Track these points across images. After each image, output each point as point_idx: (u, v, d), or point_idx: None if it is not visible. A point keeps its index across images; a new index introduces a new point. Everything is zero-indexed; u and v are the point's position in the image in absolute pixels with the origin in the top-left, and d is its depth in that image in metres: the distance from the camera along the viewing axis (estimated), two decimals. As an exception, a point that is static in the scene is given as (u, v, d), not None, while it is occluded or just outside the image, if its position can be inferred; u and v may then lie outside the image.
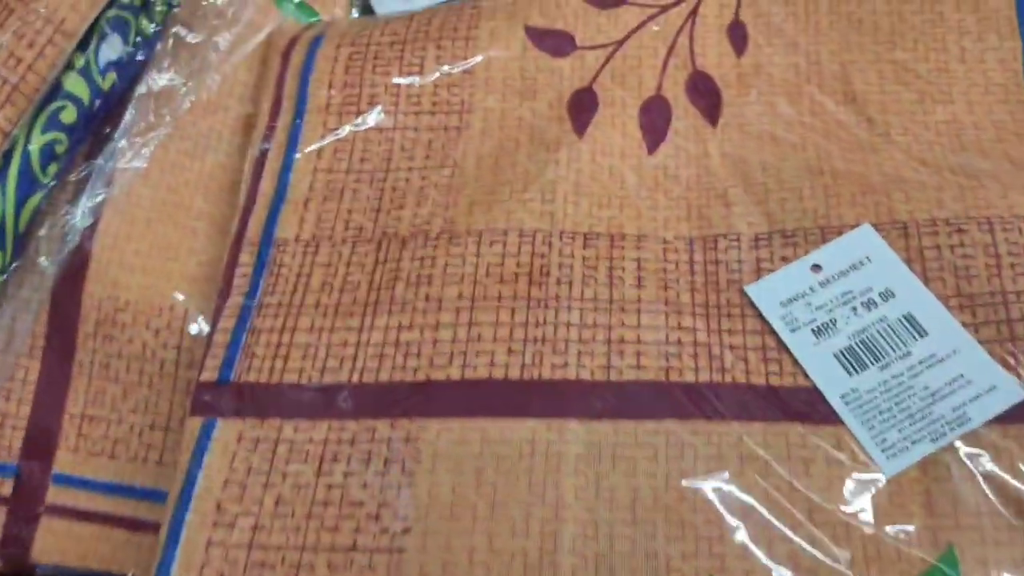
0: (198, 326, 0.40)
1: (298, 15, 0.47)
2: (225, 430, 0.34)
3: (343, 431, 0.33)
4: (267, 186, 0.40)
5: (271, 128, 0.42)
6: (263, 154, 0.41)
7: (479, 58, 0.43)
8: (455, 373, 0.34)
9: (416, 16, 0.45)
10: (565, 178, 0.39)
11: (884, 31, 0.42)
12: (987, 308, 0.34)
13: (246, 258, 0.38)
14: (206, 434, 0.34)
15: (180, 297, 0.40)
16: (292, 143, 0.41)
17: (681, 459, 0.32)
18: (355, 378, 0.34)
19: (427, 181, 0.40)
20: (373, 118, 0.42)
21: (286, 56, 0.44)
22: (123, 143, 0.43)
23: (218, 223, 0.42)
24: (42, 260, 0.40)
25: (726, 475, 0.32)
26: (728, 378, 0.34)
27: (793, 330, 0.35)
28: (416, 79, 0.42)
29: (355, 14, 0.49)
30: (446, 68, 0.42)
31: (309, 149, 0.41)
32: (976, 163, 0.38)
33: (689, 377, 0.34)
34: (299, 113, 0.42)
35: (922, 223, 0.36)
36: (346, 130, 0.41)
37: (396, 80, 0.42)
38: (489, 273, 0.36)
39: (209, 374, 0.35)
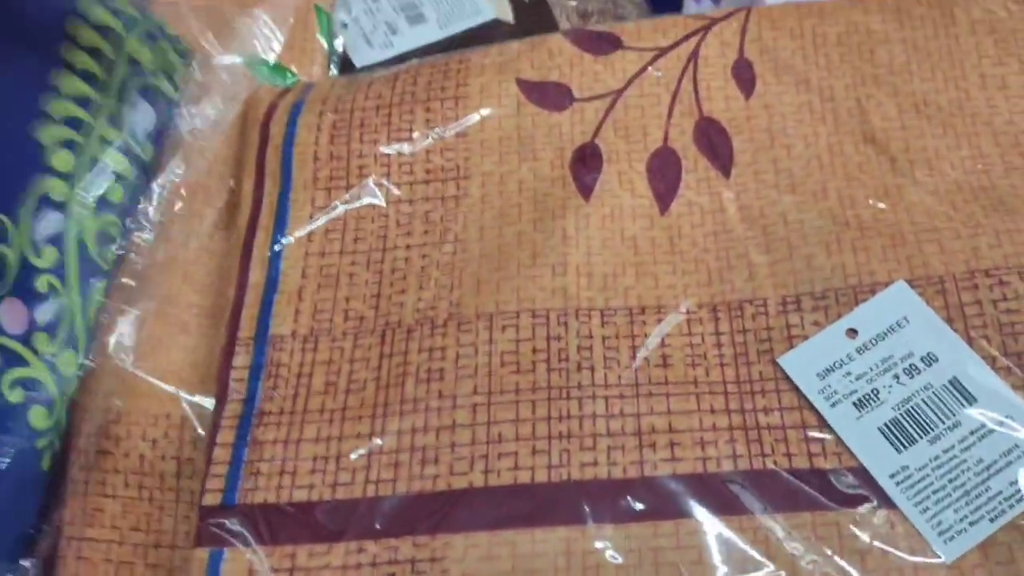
0: (197, 433, 0.37)
1: (273, 78, 0.44)
2: (234, 561, 0.31)
3: (362, 554, 0.31)
4: (257, 276, 0.38)
5: (255, 210, 0.39)
6: (249, 240, 0.39)
7: (472, 118, 0.40)
8: (478, 480, 0.32)
9: (401, 75, 0.42)
10: (575, 248, 0.36)
11: (899, 61, 0.40)
12: (1038, 368, 0.32)
13: (241, 360, 0.36)
14: (214, 567, 0.31)
15: (176, 402, 0.37)
16: (280, 225, 0.39)
17: (729, 561, 0.30)
18: (371, 491, 0.32)
19: (428, 260, 0.37)
20: (364, 192, 0.39)
21: (265, 127, 0.41)
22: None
23: (210, 313, 0.39)
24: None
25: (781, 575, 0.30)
26: (770, 464, 0.32)
27: (833, 404, 0.33)
28: (407, 146, 0.40)
29: (333, 70, 0.47)
30: (438, 131, 0.40)
31: (299, 233, 0.38)
32: (1010, 202, 0.36)
33: (728, 467, 0.31)
34: (284, 191, 0.39)
35: (960, 276, 0.34)
36: (336, 207, 0.39)
37: (385, 149, 0.40)
38: (504, 362, 0.34)
39: (212, 497, 0.32)
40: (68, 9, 0.37)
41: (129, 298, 0.39)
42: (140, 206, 0.40)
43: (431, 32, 0.50)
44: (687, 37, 0.41)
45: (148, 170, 0.40)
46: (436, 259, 0.37)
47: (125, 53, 0.39)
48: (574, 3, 0.53)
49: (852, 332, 0.34)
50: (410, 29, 0.50)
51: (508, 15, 0.52)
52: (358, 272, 0.37)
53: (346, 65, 0.48)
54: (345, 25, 0.49)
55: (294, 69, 0.45)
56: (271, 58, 0.45)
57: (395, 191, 0.39)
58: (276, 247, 0.38)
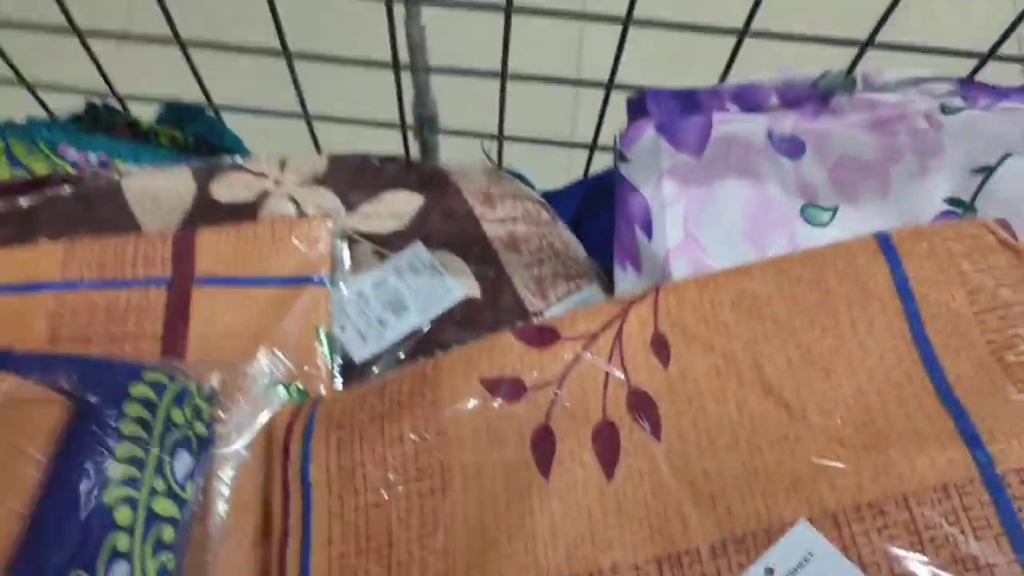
0: None
1: (287, 398, 0.54)
2: None
3: None
4: (292, 582, 0.46)
5: (285, 522, 0.48)
6: (283, 550, 0.47)
7: (448, 417, 0.49)
8: None
9: (388, 384, 0.51)
10: (541, 525, 0.45)
11: (783, 317, 0.48)
12: (920, 587, 0.39)
13: (287, 664, 0.44)
14: None
15: None
16: (306, 534, 0.48)
17: None
18: None
19: (426, 550, 0.46)
20: (370, 496, 0.48)
21: (286, 449, 0.51)
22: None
23: (258, 612, 0.48)
24: None
25: None
26: None
27: (761, 640, 0.40)
28: (399, 449, 0.49)
29: (337, 374, 0.57)
30: (422, 433, 0.49)
31: (322, 539, 0.47)
32: (886, 434, 0.44)
33: None
34: (306, 503, 0.48)
35: (849, 510, 0.42)
36: (349, 513, 0.48)
37: (382, 455, 0.49)
38: (491, 642, 0.42)
39: None
40: (126, 395, 0.48)
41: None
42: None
43: (414, 319, 0.61)
44: (612, 321, 0.50)
45: (192, 507, 0.50)
46: (432, 548, 0.46)
47: (162, 416, 0.49)
48: (534, 271, 0.63)
49: (769, 571, 0.41)
50: (397, 320, 0.61)
51: (476, 291, 0.62)
52: (372, 569, 0.46)
53: (347, 361, 0.58)
54: (343, 328, 0.60)
55: (302, 386, 0.55)
56: (282, 380, 0.55)
57: (393, 491, 0.48)
58: (305, 554, 0.47)
